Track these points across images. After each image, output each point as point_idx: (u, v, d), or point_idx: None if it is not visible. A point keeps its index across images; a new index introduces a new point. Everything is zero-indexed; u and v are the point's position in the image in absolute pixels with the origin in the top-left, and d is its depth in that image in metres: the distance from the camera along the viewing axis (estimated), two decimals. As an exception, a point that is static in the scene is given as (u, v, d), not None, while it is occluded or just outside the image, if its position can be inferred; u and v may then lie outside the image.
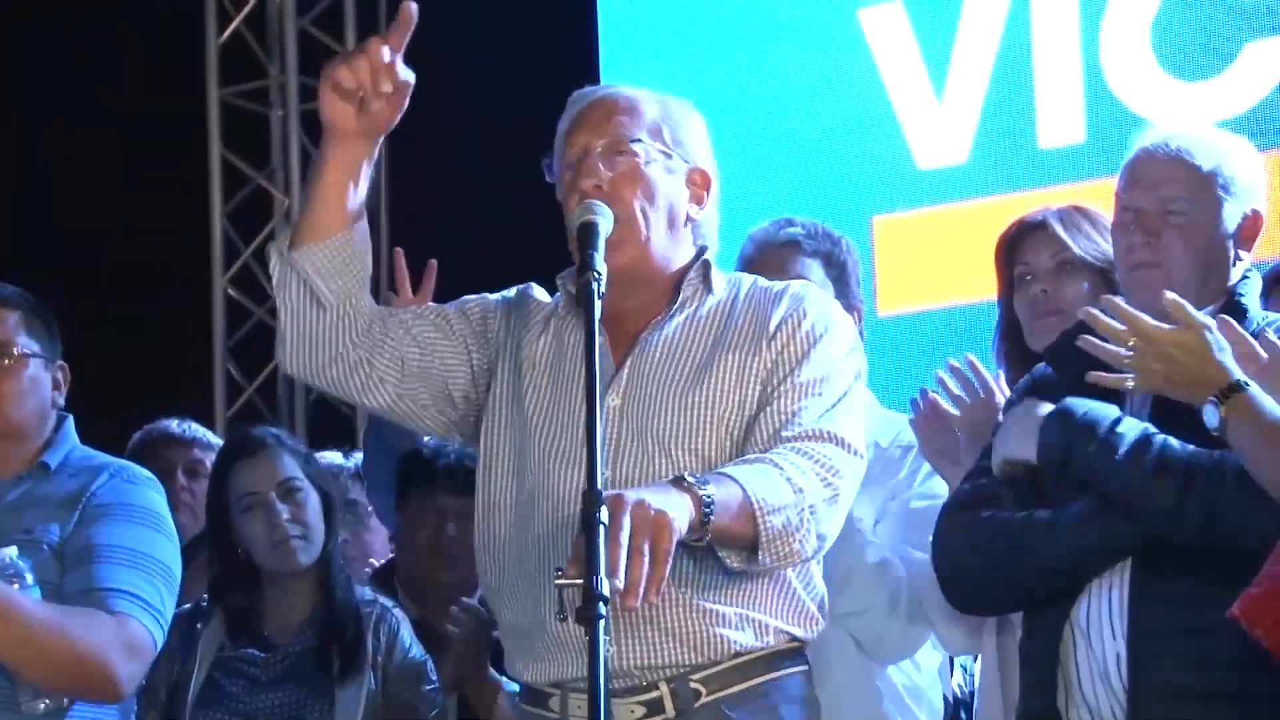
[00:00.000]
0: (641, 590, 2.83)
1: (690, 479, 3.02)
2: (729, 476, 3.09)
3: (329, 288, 3.30)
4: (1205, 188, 3.61)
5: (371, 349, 3.36)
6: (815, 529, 3.17)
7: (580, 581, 2.75)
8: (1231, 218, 3.62)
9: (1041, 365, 3.77)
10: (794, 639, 3.31)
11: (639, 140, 3.37)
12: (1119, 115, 6.28)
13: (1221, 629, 3.15)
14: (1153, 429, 3.42)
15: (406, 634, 4.47)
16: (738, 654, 3.24)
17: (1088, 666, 3.44)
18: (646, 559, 2.84)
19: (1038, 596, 3.58)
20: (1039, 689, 3.52)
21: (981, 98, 6.53)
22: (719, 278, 3.44)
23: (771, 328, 3.33)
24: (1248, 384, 3.21)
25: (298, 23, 8.67)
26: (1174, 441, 3.38)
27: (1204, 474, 3.33)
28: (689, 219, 3.43)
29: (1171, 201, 3.60)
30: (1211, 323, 3.31)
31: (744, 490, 3.07)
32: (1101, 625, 3.43)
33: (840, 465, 3.23)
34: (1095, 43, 6.35)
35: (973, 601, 3.74)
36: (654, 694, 3.23)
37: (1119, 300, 3.39)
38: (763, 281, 3.46)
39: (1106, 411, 3.46)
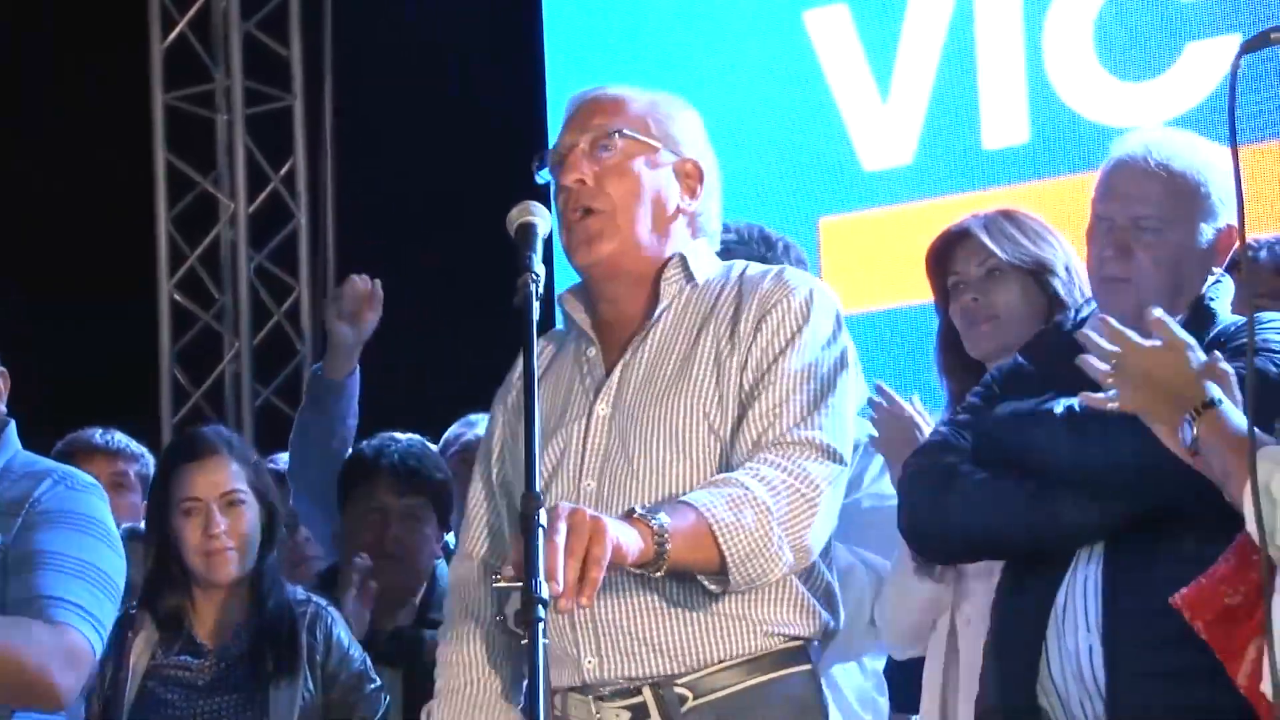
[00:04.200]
0: (575, 594, 2.81)
1: (640, 511, 2.99)
2: (686, 504, 3.05)
3: None
4: (1181, 204, 3.56)
5: None
6: (788, 545, 3.10)
7: (519, 584, 2.74)
8: (1206, 234, 3.57)
9: (1012, 360, 3.77)
10: (794, 638, 3.23)
11: (620, 133, 3.36)
12: (1062, 116, 6.31)
13: None
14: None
15: (343, 632, 4.45)
16: (723, 659, 3.18)
17: (1058, 658, 3.44)
18: (579, 563, 2.83)
19: (992, 554, 3.63)
20: (1018, 680, 3.50)
21: (926, 99, 6.55)
22: (706, 267, 3.39)
23: (751, 317, 3.27)
24: (1220, 400, 3.20)
25: (242, 26, 8.62)
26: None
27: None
28: (680, 211, 3.39)
29: (1145, 218, 3.56)
30: (1192, 341, 3.29)
31: (701, 515, 3.03)
32: (1075, 617, 3.44)
33: (818, 475, 3.15)
34: (1038, 44, 6.38)
35: (931, 552, 3.76)
36: (638, 699, 3.21)
37: (1110, 319, 3.38)
38: (754, 268, 3.39)
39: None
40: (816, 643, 3.28)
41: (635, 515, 2.98)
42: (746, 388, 3.24)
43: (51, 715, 3.89)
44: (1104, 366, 3.28)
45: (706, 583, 3.10)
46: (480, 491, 3.48)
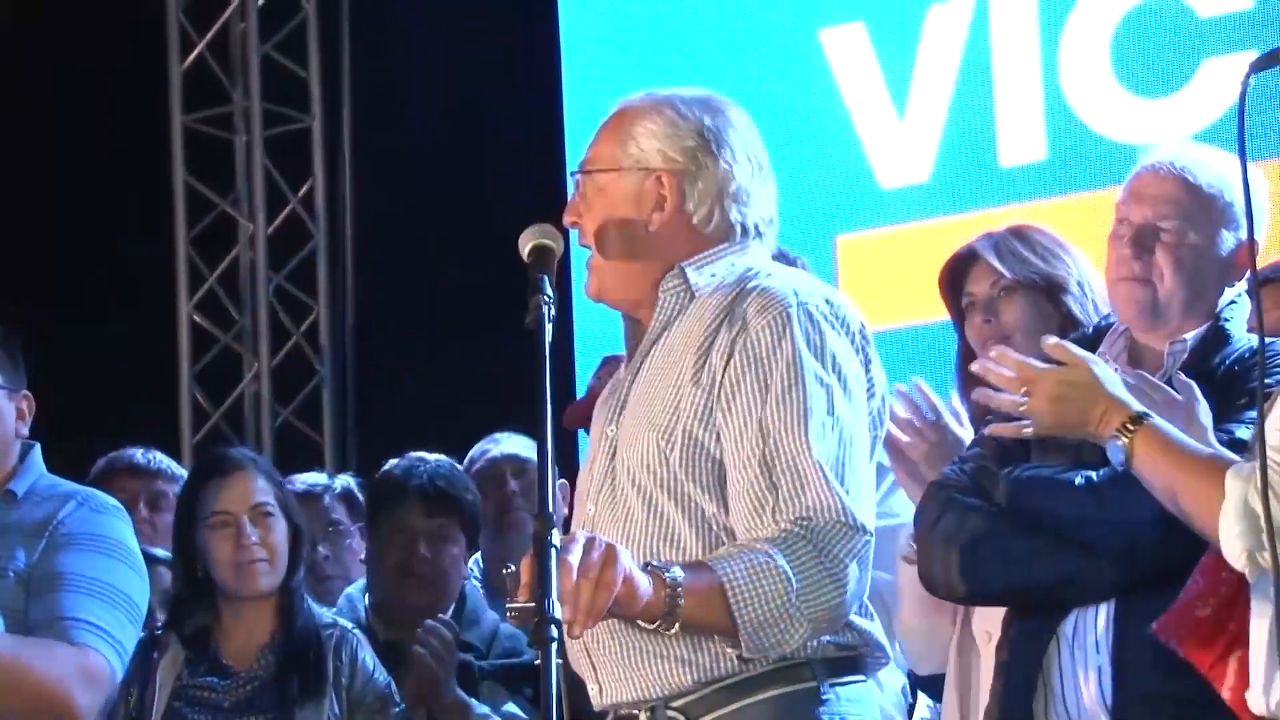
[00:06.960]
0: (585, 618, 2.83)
1: (655, 564, 3.00)
2: (703, 564, 3.04)
3: None
4: (1202, 210, 3.58)
5: None
6: (806, 616, 3.06)
7: (532, 605, 2.75)
8: (1227, 242, 3.59)
9: None
10: (786, 659, 3.14)
11: (588, 167, 3.35)
12: (1079, 133, 6.31)
13: None
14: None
15: (368, 656, 4.47)
16: (709, 681, 3.15)
17: (1071, 676, 3.46)
18: (592, 586, 2.84)
19: (1007, 605, 3.63)
20: (1018, 695, 3.52)
21: (943, 117, 6.56)
22: (713, 274, 3.29)
23: (716, 332, 3.20)
24: (1148, 414, 3.19)
25: (261, 49, 8.65)
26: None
27: None
28: (663, 225, 3.30)
29: (1166, 219, 3.58)
30: (1094, 358, 3.31)
31: (715, 576, 3.02)
32: (1085, 638, 3.46)
33: (843, 552, 3.09)
34: (1055, 61, 6.38)
35: (949, 598, 3.77)
36: None
37: (1007, 349, 3.40)
38: (760, 278, 3.27)
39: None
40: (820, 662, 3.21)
41: (650, 567, 2.98)
42: (745, 431, 3.15)
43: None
44: (1013, 397, 3.29)
45: (724, 645, 3.10)
46: None
